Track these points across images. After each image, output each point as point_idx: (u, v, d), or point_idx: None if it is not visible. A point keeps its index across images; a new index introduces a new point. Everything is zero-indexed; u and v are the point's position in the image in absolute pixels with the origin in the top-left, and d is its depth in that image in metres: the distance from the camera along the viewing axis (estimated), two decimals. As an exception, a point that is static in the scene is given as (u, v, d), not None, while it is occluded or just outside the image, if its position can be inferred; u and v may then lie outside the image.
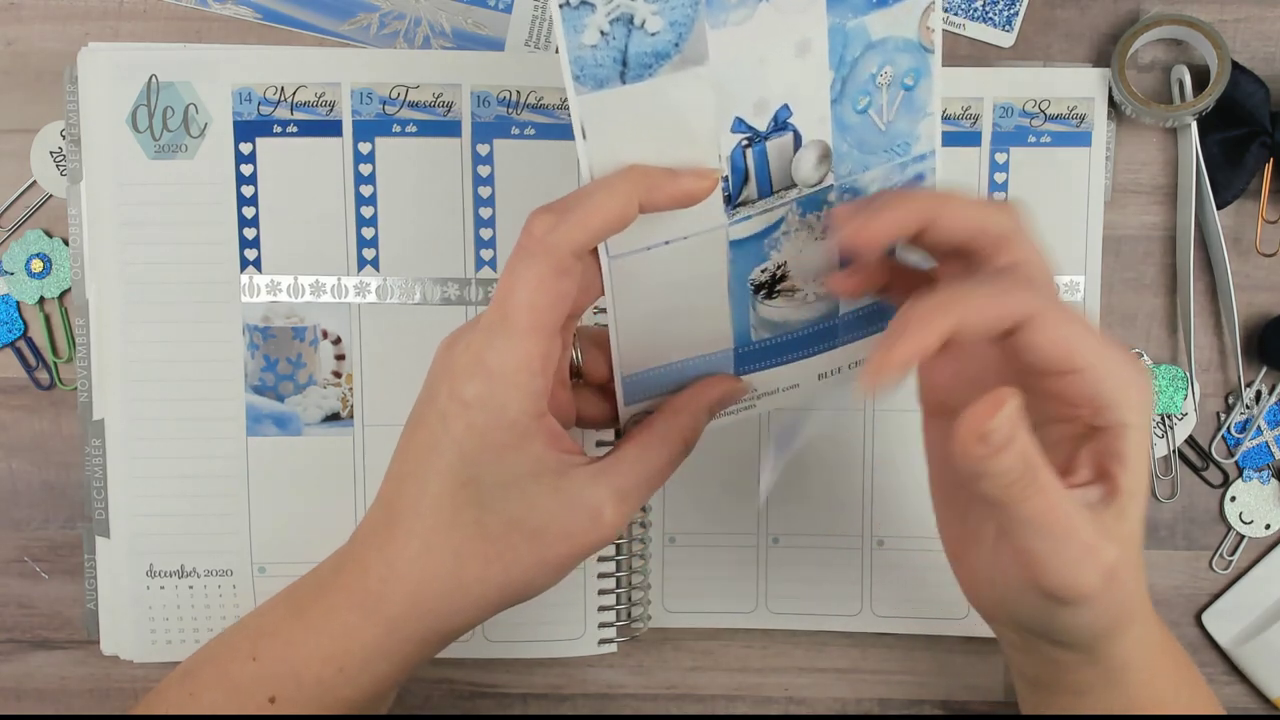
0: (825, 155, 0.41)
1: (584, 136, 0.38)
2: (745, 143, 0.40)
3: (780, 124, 0.40)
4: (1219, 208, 0.51)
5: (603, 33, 0.37)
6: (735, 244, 0.41)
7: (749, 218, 0.41)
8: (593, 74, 0.37)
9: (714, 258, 0.41)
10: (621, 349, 0.41)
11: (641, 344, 0.43)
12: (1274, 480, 0.53)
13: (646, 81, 0.37)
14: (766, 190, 0.41)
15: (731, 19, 0.38)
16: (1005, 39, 0.52)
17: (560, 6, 0.36)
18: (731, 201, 0.40)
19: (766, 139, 0.40)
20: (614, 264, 0.40)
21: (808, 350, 0.45)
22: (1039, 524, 0.35)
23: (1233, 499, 0.53)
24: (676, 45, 0.38)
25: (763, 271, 0.42)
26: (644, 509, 0.52)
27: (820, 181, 0.41)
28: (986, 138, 0.52)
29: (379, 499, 0.39)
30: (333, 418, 0.50)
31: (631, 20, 0.37)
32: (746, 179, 0.40)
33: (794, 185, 0.41)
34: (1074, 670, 0.39)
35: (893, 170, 0.42)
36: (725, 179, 0.40)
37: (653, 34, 0.37)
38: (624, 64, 0.37)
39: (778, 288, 0.43)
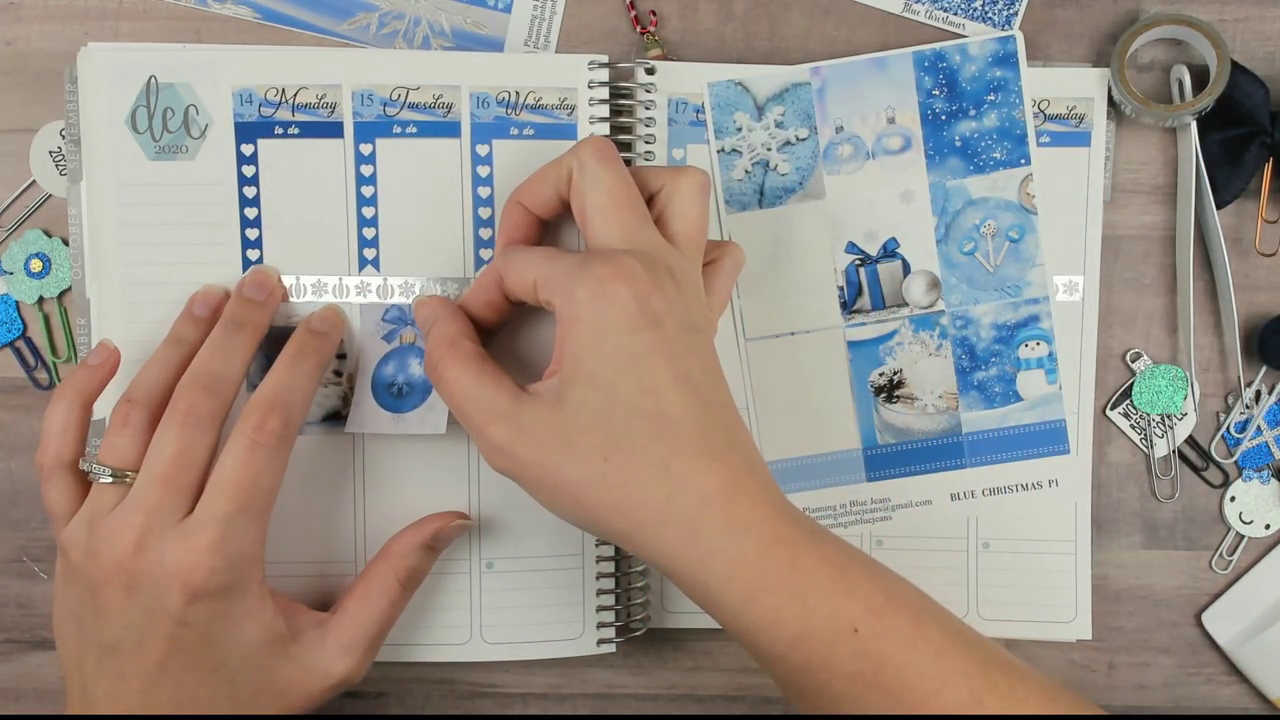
0: (934, 283, 0.51)
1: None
2: (858, 262, 0.51)
3: (889, 251, 0.51)
4: (1219, 207, 0.51)
5: (746, 171, 0.51)
6: (853, 345, 0.51)
7: (863, 324, 0.51)
8: (738, 199, 0.51)
9: (835, 352, 0.51)
10: (761, 436, 0.47)
11: (779, 433, 0.51)
12: (1274, 480, 0.53)
13: (777, 208, 0.51)
14: (879, 304, 0.51)
15: (844, 169, 0.51)
16: (1005, 39, 0.52)
17: (718, 152, 0.51)
18: (847, 308, 0.51)
19: (878, 262, 0.51)
20: (750, 346, 0.51)
21: (935, 464, 0.51)
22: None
23: (1232, 499, 0.53)
24: (800, 184, 0.51)
25: (880, 375, 0.51)
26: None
27: (931, 305, 0.51)
28: (986, 138, 0.53)
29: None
30: (333, 416, 0.50)
31: (767, 164, 0.51)
32: (860, 291, 0.51)
33: (906, 304, 0.51)
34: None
35: (1005, 307, 0.51)
36: (840, 288, 0.51)
37: (782, 175, 0.51)
38: (761, 194, 0.51)
39: (896, 393, 0.51)
